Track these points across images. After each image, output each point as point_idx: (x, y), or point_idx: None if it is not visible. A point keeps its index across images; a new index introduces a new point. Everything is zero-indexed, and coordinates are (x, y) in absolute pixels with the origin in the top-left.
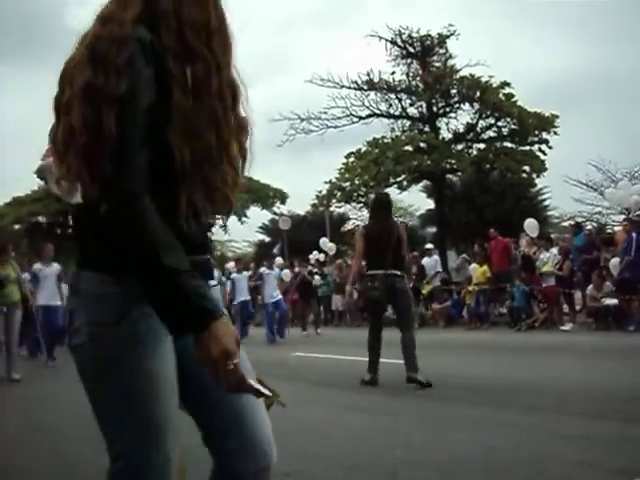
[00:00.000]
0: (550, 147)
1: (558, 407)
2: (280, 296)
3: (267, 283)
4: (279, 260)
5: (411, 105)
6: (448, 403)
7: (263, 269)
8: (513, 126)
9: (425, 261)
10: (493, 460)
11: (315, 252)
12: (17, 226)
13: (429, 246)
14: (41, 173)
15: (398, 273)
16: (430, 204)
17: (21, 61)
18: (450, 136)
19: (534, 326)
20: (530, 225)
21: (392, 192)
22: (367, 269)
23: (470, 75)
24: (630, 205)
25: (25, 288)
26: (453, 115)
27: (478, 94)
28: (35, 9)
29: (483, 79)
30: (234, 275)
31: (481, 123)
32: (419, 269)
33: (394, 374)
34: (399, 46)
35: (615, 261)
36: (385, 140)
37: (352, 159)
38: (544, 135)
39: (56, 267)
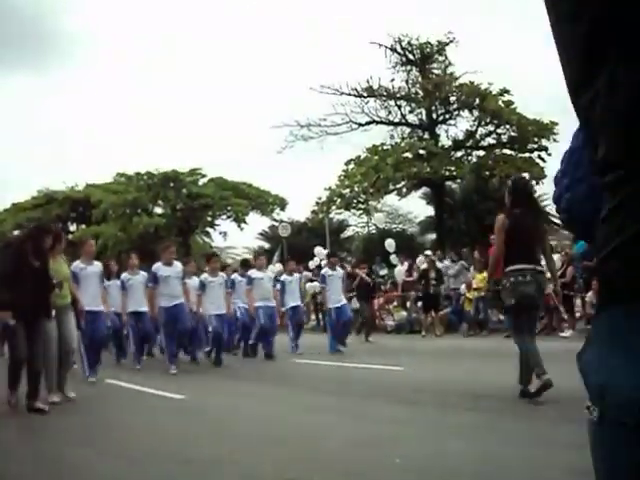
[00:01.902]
0: (549, 154)
1: (557, 415)
2: (345, 301)
3: (330, 286)
4: (279, 267)
5: (410, 112)
6: (447, 410)
7: (325, 270)
8: (512, 133)
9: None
10: (492, 468)
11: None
12: (16, 232)
13: (428, 253)
14: None
15: (544, 270)
16: (430, 211)
17: (18, 65)
18: (449, 143)
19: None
20: None
21: (391, 199)
22: (509, 264)
23: (469, 82)
24: None
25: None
26: (452, 122)
27: (477, 101)
28: (32, 12)
29: (482, 86)
30: (284, 277)
31: (480, 130)
32: (437, 273)
33: (394, 381)
34: (399, 53)
35: None
36: (385, 147)
37: (352, 166)
38: (543, 142)
39: (98, 266)
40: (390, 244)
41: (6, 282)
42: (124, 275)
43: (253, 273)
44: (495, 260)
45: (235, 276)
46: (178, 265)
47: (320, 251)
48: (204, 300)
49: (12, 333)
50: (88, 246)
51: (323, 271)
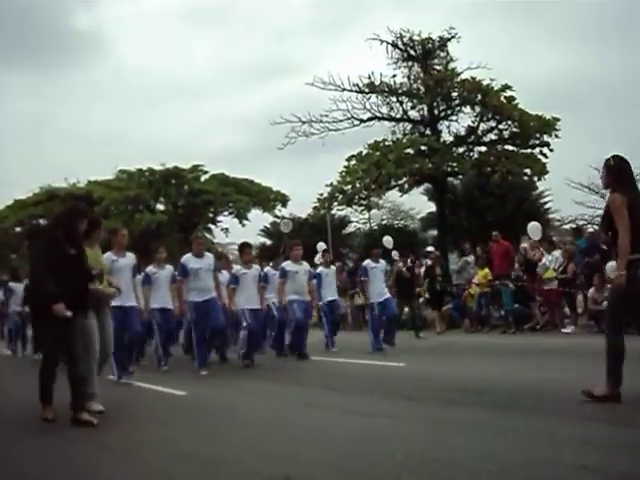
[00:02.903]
0: (551, 150)
1: (559, 411)
2: (388, 294)
3: (373, 279)
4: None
5: (412, 108)
6: (449, 406)
7: (367, 262)
8: (514, 129)
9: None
10: (493, 464)
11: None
12: (18, 229)
13: (430, 249)
14: None
15: None
16: (431, 207)
17: (24, 64)
18: (451, 139)
19: (535, 329)
20: (533, 228)
21: (393, 195)
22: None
23: (471, 78)
24: None
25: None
26: (454, 118)
27: (479, 97)
28: (40, 10)
29: (484, 82)
30: (321, 269)
31: (482, 126)
32: (442, 270)
33: (395, 377)
34: (400, 49)
35: (611, 265)
36: (386, 143)
37: (353, 162)
38: (545, 138)
39: (131, 257)
40: (387, 241)
41: (38, 273)
42: (149, 269)
43: (287, 265)
44: (627, 244)
45: (268, 269)
46: (209, 257)
47: (322, 246)
48: (237, 294)
49: (47, 332)
50: (120, 236)
51: (365, 263)
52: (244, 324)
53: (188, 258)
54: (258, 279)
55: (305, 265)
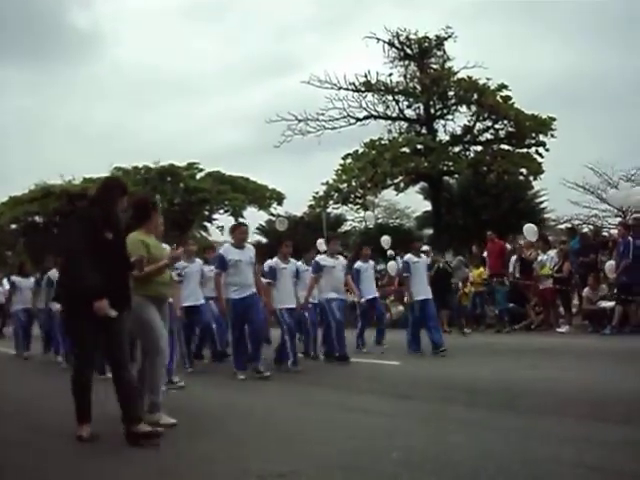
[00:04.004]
0: (547, 150)
1: (556, 409)
2: (430, 294)
3: (415, 276)
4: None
5: (408, 107)
6: (446, 405)
7: (409, 256)
8: (510, 128)
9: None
10: (491, 463)
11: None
12: (14, 225)
13: (425, 248)
14: None
15: None
16: (427, 206)
17: (22, 61)
18: (447, 138)
19: (530, 328)
20: (529, 230)
21: (389, 194)
22: None
23: (467, 77)
24: (631, 205)
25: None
26: (450, 117)
27: (475, 96)
28: (38, 7)
29: (480, 81)
30: (359, 264)
31: (478, 125)
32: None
33: (393, 375)
34: (397, 48)
35: (610, 264)
36: (382, 142)
37: (349, 160)
38: (541, 138)
39: (199, 263)
40: (385, 241)
41: (76, 262)
42: (179, 263)
43: (323, 260)
44: None
45: (299, 264)
46: (251, 249)
47: (321, 243)
48: (274, 291)
49: (83, 334)
50: (188, 244)
51: (405, 257)
52: (283, 325)
53: (227, 249)
54: (296, 275)
55: (341, 259)
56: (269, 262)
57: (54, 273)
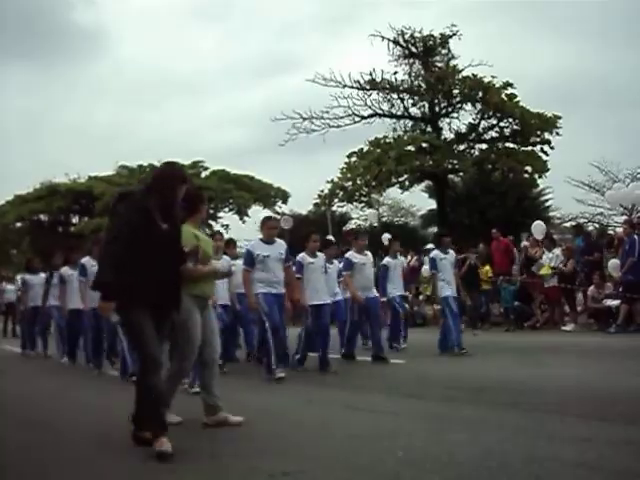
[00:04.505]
0: (552, 148)
1: (559, 408)
2: (455, 292)
3: (445, 272)
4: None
5: (413, 105)
6: (449, 404)
7: (436, 252)
8: (515, 126)
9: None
10: (493, 461)
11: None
12: (19, 224)
13: (430, 246)
14: None
15: None
16: (432, 204)
17: (26, 59)
18: (452, 136)
19: (536, 327)
20: (538, 227)
21: (394, 192)
22: None
23: (472, 75)
24: (634, 202)
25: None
26: (455, 115)
27: (480, 94)
28: (39, 6)
29: (485, 79)
30: (388, 260)
31: (483, 123)
32: None
33: (395, 374)
34: (401, 46)
35: (614, 262)
36: (387, 140)
37: (354, 159)
38: (546, 136)
39: (227, 260)
40: (386, 238)
41: (122, 254)
42: (85, 260)
43: (353, 256)
44: None
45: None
46: (282, 244)
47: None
48: (303, 287)
49: (137, 332)
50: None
51: (433, 254)
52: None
53: (256, 244)
54: (325, 270)
55: (370, 256)
56: (297, 257)
57: (66, 270)
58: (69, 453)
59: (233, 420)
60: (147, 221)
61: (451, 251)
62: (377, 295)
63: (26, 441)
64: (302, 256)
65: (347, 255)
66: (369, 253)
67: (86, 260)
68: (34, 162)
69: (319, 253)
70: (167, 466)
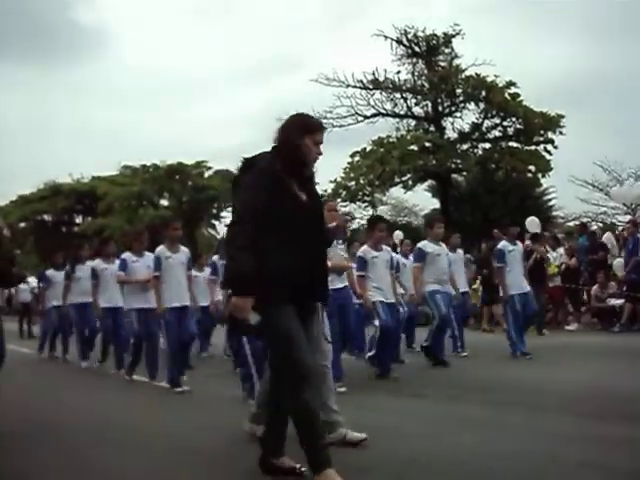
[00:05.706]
0: (556, 147)
1: (561, 408)
2: (528, 287)
3: (511, 266)
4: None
5: (416, 104)
6: (451, 404)
7: (503, 243)
8: (519, 126)
9: None
10: (496, 461)
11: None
12: (22, 224)
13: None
14: None
15: None
16: (435, 204)
17: (29, 59)
18: (455, 136)
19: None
20: (531, 223)
21: (397, 192)
22: None
23: (476, 75)
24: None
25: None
26: (458, 115)
27: (483, 94)
28: (39, 5)
29: (489, 79)
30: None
31: (486, 123)
32: None
33: (404, 374)
34: (404, 45)
35: (619, 262)
36: (390, 139)
37: (357, 158)
38: (550, 135)
39: (185, 252)
40: (398, 236)
41: (258, 237)
42: (215, 258)
43: (427, 246)
44: None
45: (395, 255)
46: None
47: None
48: (367, 283)
49: (275, 333)
50: (172, 230)
51: (500, 245)
52: (376, 321)
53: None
54: (390, 265)
55: (444, 246)
56: (358, 251)
57: (99, 263)
58: (69, 453)
59: (354, 437)
60: (283, 191)
61: (519, 243)
62: (451, 291)
63: (26, 441)
64: (364, 250)
65: (419, 245)
66: (443, 244)
67: (127, 255)
68: (37, 162)
69: (384, 246)
70: (170, 465)
